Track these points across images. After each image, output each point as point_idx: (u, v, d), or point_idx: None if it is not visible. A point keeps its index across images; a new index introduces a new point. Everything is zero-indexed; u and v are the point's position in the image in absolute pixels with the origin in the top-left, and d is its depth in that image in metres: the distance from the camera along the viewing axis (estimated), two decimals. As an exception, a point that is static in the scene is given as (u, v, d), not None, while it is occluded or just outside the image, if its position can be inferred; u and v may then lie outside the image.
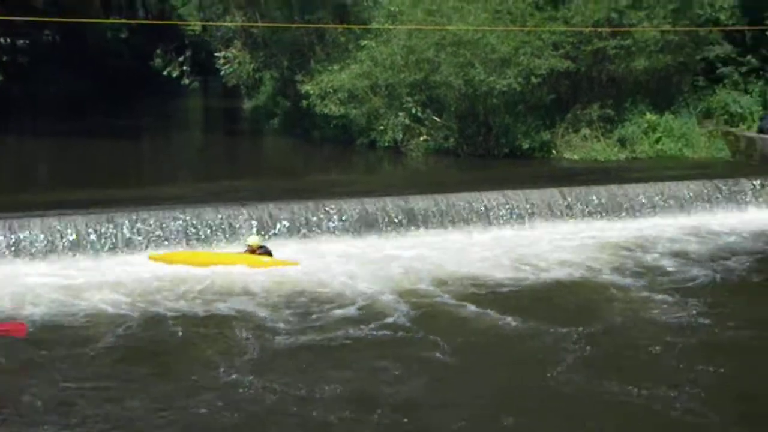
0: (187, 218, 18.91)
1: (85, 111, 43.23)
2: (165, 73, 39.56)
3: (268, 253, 17.77)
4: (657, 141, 28.61)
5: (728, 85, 29.88)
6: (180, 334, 14.00)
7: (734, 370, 12.70)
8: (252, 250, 17.72)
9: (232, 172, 27.91)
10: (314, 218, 19.82)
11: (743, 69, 29.71)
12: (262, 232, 18.92)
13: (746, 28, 29.66)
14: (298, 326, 14.21)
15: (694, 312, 15.15)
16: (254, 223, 19.19)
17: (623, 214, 22.34)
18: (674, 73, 30.31)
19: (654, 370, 12.67)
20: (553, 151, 28.81)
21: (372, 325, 14.32)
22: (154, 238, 18.42)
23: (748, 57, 29.61)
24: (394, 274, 17.32)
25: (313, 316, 14.79)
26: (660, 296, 16.19)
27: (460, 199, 21.30)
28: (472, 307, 15.36)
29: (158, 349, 13.54)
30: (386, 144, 29.94)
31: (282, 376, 12.17)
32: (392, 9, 30.99)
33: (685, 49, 29.60)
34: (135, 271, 17.14)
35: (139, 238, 18.32)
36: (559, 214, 21.85)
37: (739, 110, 29.09)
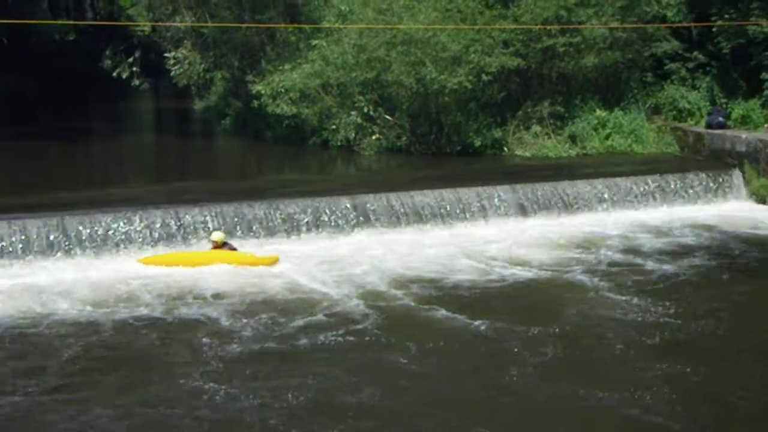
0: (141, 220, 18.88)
1: (33, 113, 42.71)
2: (114, 74, 38.92)
3: (233, 250, 17.91)
4: (607, 137, 28.82)
5: (676, 81, 30.18)
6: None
7: (690, 365, 12.88)
8: (217, 246, 17.82)
9: (182, 174, 27.77)
10: (267, 218, 19.82)
11: (690, 65, 30.04)
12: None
13: (693, 24, 30.00)
14: (265, 336, 14.15)
15: (649, 307, 15.37)
16: (210, 223, 19.15)
17: (575, 210, 22.57)
18: (623, 70, 30.57)
19: (613, 369, 12.82)
20: (505, 149, 28.91)
21: (338, 330, 14.38)
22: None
23: (695, 53, 29.94)
24: (351, 274, 17.37)
25: (282, 321, 14.81)
26: (613, 292, 16.40)
27: (413, 197, 21.39)
28: (428, 307, 15.48)
29: (123, 355, 13.45)
30: (339, 143, 29.90)
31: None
32: (343, 8, 30.95)
33: (634, 45, 29.87)
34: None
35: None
36: (511, 211, 22.02)
37: (687, 106, 29.41)
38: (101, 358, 13.29)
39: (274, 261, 17.87)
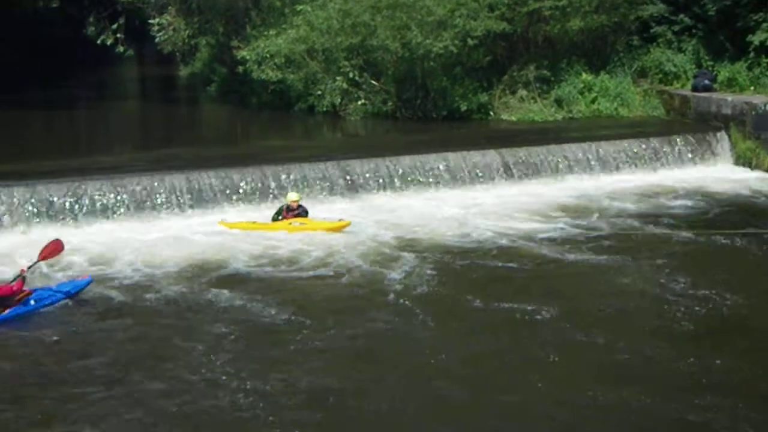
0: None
1: (18, 82, 42.40)
2: (99, 41, 38.74)
3: (306, 212, 18.18)
4: (593, 101, 28.78)
5: (662, 44, 30.09)
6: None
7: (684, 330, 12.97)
8: (294, 206, 18.08)
9: (169, 140, 27.65)
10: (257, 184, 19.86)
11: (676, 28, 29.92)
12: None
13: (679, -14, 29.94)
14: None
15: (639, 273, 15.31)
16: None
17: (561, 174, 22.58)
18: (609, 33, 30.44)
19: (599, 339, 12.73)
20: (491, 113, 28.89)
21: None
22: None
23: (681, 16, 29.80)
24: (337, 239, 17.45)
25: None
26: (600, 259, 16.40)
27: (400, 162, 21.37)
28: (416, 272, 15.45)
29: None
30: (324, 109, 29.83)
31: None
32: (328, -27, 30.79)
33: (619, 9, 29.68)
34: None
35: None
36: (498, 175, 22.02)
37: (673, 69, 29.34)
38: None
39: (347, 225, 17.94)
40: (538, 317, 13.20)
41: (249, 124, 31.86)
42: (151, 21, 38.33)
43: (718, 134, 24.93)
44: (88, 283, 14.63)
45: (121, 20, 38.19)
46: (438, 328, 12.99)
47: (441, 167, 21.58)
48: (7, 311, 13.58)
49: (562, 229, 18.38)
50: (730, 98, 25.62)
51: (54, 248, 14.74)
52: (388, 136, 27.40)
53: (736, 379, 11.15)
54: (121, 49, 37.93)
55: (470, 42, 27.55)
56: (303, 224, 17.89)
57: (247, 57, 31.09)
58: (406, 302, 13.91)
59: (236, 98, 34.79)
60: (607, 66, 29.97)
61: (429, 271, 15.39)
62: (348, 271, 15.53)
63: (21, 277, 13.87)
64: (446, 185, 21.39)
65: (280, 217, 18.16)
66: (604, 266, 15.80)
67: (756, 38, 26.90)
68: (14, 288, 13.69)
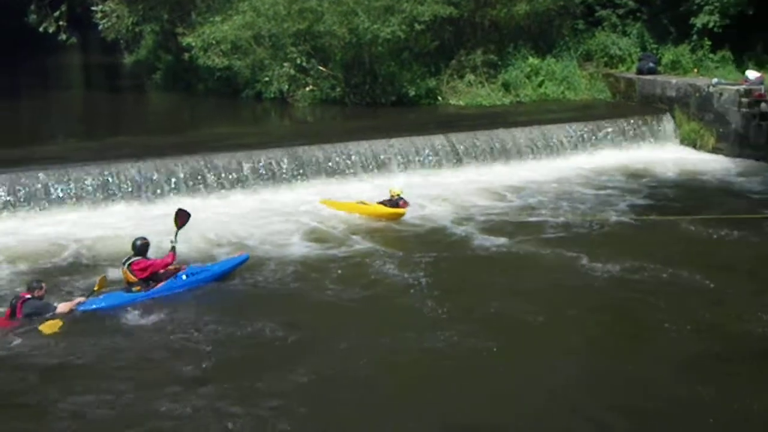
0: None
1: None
2: (41, 29, 38.11)
3: (406, 203, 18.47)
4: (540, 85, 28.99)
5: (607, 28, 30.38)
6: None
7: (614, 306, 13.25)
8: (393, 197, 18.42)
9: (114, 129, 27.28)
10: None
11: (621, 11, 30.23)
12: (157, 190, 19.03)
13: (623, -30, 30.19)
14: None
15: (582, 256, 15.43)
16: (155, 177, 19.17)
17: (509, 158, 22.70)
18: (555, 17, 30.67)
19: (535, 320, 12.95)
20: (439, 98, 28.94)
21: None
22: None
23: (626, -1, 30.17)
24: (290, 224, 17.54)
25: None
26: (544, 235, 16.64)
27: (347, 148, 21.35)
28: (358, 257, 15.67)
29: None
30: (272, 95, 29.66)
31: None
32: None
33: (565, -7, 29.98)
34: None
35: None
36: (446, 159, 22.08)
37: (618, 52, 29.64)
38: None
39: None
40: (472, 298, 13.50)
41: (195, 112, 31.53)
42: (94, 8, 37.74)
43: (663, 116, 25.30)
44: (245, 260, 14.64)
45: (63, 7, 37.53)
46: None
47: (389, 151, 21.61)
48: (159, 285, 13.69)
49: (504, 212, 18.60)
50: (674, 81, 25.95)
51: (183, 216, 14.65)
52: (336, 122, 27.33)
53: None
54: (63, 37, 37.29)
55: (417, 27, 27.57)
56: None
57: (193, 44, 30.79)
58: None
59: (182, 86, 34.43)
60: (553, 50, 30.20)
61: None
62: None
63: (172, 249, 14.02)
64: (396, 170, 21.42)
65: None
66: (542, 249, 15.98)
67: (698, 21, 27.28)
68: (169, 260, 13.88)
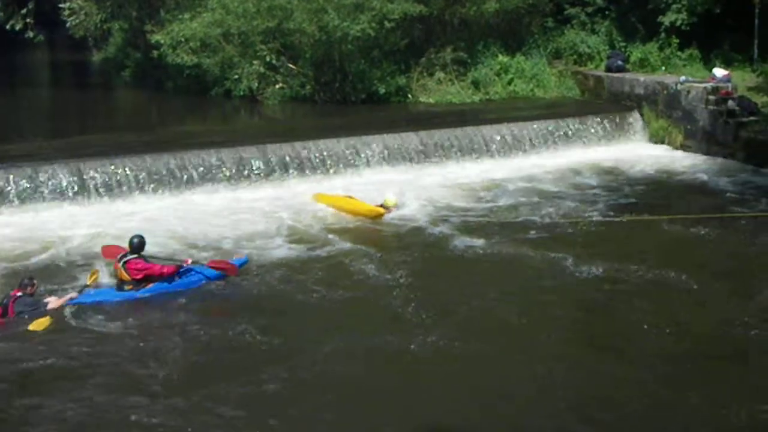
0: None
1: None
2: (8, 26, 37.83)
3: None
4: (509, 82, 29.07)
5: (576, 26, 30.53)
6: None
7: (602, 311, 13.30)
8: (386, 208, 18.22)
9: (82, 127, 27.08)
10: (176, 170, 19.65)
11: (590, 9, 30.40)
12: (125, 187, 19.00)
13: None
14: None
15: (556, 255, 15.47)
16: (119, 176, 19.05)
17: (479, 155, 22.72)
18: (524, 15, 30.75)
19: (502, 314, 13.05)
20: (409, 96, 28.95)
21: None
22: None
23: (594, -3, 30.32)
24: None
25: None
26: (515, 234, 16.66)
27: (318, 146, 21.31)
28: (335, 257, 15.65)
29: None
30: (241, 93, 29.55)
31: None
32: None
33: (534, -9, 30.06)
34: None
35: None
36: (416, 157, 22.08)
37: (587, 50, 29.80)
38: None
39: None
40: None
41: (164, 110, 31.39)
42: (62, 5, 37.53)
43: (632, 114, 25.42)
44: (244, 263, 14.55)
45: (31, 5, 37.31)
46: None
47: (359, 150, 21.59)
48: (150, 285, 13.63)
49: (477, 211, 18.64)
50: (642, 78, 26.09)
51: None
52: (306, 120, 27.27)
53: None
54: (30, 34, 37.06)
55: (387, 25, 27.53)
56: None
57: (162, 41, 30.59)
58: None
59: (151, 83, 34.28)
60: (523, 48, 30.29)
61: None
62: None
63: (179, 262, 14.10)
64: (366, 168, 21.42)
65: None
66: (514, 248, 15.96)
67: (666, 19, 27.46)
68: (168, 270, 13.86)
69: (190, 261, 14.30)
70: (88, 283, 13.74)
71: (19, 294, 12.98)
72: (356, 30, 27.04)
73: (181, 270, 14.05)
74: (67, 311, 13.02)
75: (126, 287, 13.67)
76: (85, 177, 18.80)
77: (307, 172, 20.77)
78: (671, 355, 11.57)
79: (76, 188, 18.61)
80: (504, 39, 30.39)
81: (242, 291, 14.04)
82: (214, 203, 19.00)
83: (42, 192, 18.34)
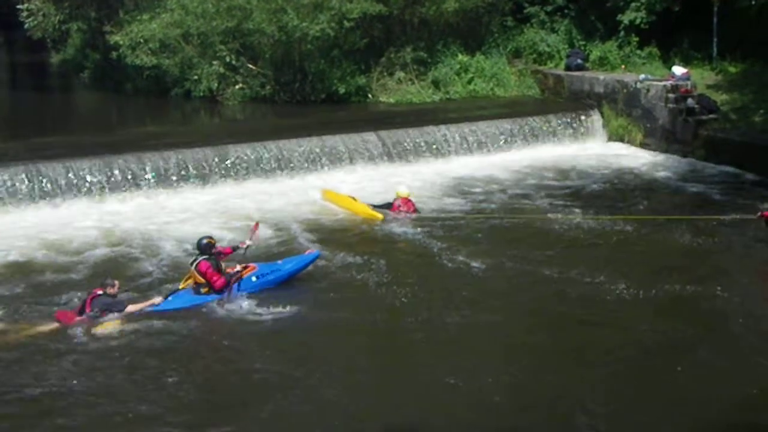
0: None
1: None
2: (-36, 28, 37.49)
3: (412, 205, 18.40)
4: (469, 82, 29.05)
5: (536, 25, 30.58)
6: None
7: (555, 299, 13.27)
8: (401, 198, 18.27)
9: (41, 129, 26.77)
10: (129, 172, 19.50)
11: (549, 8, 30.45)
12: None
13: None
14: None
15: (516, 256, 15.51)
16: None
17: (439, 155, 22.74)
18: (484, 14, 30.73)
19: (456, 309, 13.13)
20: (370, 95, 28.91)
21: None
22: None
23: (554, -4, 30.39)
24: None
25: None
26: (472, 233, 16.68)
27: (278, 147, 21.25)
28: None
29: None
30: (201, 94, 29.38)
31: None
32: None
33: (494, -11, 30.09)
34: None
35: None
36: (376, 157, 22.06)
37: (547, 49, 29.85)
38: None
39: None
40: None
41: (124, 111, 31.15)
42: (19, 6, 37.17)
43: (592, 112, 25.51)
44: (315, 257, 14.36)
45: (-12, 6, 36.92)
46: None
47: (318, 150, 21.55)
48: (226, 292, 13.41)
49: (441, 209, 18.65)
50: (602, 77, 26.21)
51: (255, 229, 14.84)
52: (266, 120, 27.17)
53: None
54: (-13, 36, 36.62)
55: (347, 24, 27.47)
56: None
57: (121, 42, 30.33)
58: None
59: (111, 84, 33.99)
60: (483, 47, 30.28)
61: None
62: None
63: (230, 276, 13.67)
64: (326, 167, 21.39)
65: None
66: (473, 248, 15.97)
67: (625, 17, 27.57)
68: (218, 281, 13.47)
69: (247, 243, 14.24)
70: (181, 287, 13.65)
71: (99, 292, 12.92)
72: (316, 30, 26.96)
73: (257, 271, 13.87)
74: (144, 316, 12.91)
75: (202, 290, 13.48)
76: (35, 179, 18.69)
77: (268, 173, 20.77)
78: (623, 358, 11.58)
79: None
80: (464, 38, 30.37)
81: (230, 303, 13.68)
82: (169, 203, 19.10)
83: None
